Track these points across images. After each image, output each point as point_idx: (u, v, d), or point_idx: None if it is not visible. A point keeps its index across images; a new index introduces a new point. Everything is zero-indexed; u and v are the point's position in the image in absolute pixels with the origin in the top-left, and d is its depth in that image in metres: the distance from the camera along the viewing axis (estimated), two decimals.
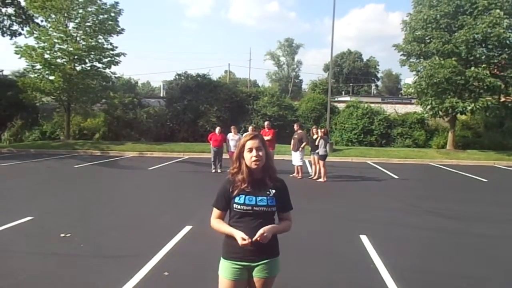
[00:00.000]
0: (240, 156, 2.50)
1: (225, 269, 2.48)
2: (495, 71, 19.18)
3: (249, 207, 2.42)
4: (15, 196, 8.94)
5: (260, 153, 2.44)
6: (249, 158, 2.44)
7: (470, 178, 13.30)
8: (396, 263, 4.92)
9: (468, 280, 4.56)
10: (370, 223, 6.96)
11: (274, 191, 2.48)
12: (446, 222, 7.27)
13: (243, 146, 2.48)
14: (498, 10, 17.65)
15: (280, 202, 2.50)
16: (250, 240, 2.32)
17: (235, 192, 2.46)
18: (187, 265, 4.80)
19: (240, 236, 2.34)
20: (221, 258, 2.53)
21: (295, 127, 12.40)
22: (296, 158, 11.96)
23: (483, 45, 18.80)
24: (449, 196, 10.27)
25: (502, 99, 19.91)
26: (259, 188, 2.47)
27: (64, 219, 6.83)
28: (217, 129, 13.32)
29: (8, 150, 19.72)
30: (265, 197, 2.44)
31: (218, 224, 2.52)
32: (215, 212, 2.55)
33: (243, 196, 2.44)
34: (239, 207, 2.44)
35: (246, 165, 2.46)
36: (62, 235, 5.78)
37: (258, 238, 2.33)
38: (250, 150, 2.44)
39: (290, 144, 12.53)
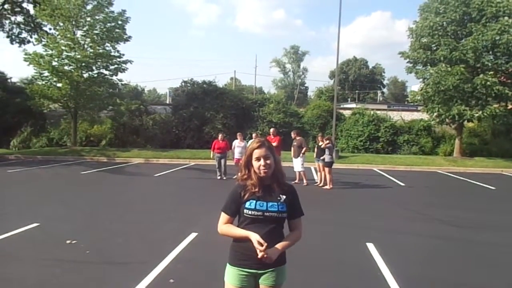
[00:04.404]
0: (249, 164, 2.47)
1: (231, 276, 2.45)
2: (503, 78, 19.07)
3: (260, 213, 2.39)
4: (22, 203, 9.00)
5: (268, 162, 2.42)
6: (257, 167, 2.42)
7: (478, 185, 13.16)
8: (403, 271, 4.86)
9: None
10: (377, 231, 6.90)
11: (284, 196, 2.45)
12: (453, 230, 7.20)
13: (251, 154, 2.46)
14: (506, 18, 17.58)
15: (291, 208, 2.47)
16: (266, 245, 2.24)
17: (246, 197, 2.42)
18: (193, 272, 4.78)
19: (256, 240, 2.27)
20: (227, 264, 2.49)
21: (293, 135, 12.51)
22: (297, 164, 11.98)
23: (491, 52, 18.72)
24: (456, 204, 10.17)
25: (510, 107, 19.77)
26: (270, 194, 2.44)
27: (70, 225, 6.86)
28: (220, 136, 13.31)
29: (15, 156, 19.88)
30: (276, 203, 2.41)
31: (228, 228, 2.46)
32: (224, 217, 2.49)
33: (254, 201, 2.40)
34: (250, 212, 2.40)
35: (255, 173, 2.44)
36: (68, 241, 5.79)
37: (263, 259, 2.28)
38: (258, 159, 2.43)
39: None
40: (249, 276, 2.43)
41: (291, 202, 2.48)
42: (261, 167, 2.41)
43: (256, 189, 2.42)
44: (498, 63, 18.55)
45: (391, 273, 4.76)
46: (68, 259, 5.13)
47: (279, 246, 2.36)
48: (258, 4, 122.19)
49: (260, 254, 2.26)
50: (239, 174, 2.57)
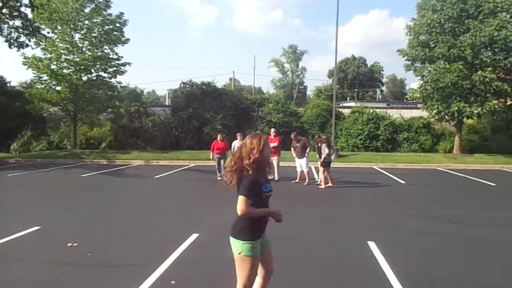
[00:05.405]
0: (263, 151, 3.15)
1: (255, 249, 3.10)
2: (501, 74, 19.06)
3: (270, 193, 3.22)
4: (22, 206, 9.00)
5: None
6: (268, 153, 3.26)
7: (478, 182, 13.17)
8: (404, 269, 4.87)
9: (477, 287, 4.50)
10: (378, 229, 6.91)
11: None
12: (455, 227, 7.20)
13: (266, 144, 3.19)
14: (504, 13, 17.57)
15: None
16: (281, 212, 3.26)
17: (262, 182, 3.15)
18: (194, 274, 4.78)
19: (276, 210, 3.22)
20: (248, 242, 3.08)
21: (293, 136, 12.55)
22: (303, 164, 12.00)
23: (489, 48, 18.72)
24: (457, 201, 10.17)
25: (509, 102, 19.77)
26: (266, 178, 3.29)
27: (71, 228, 6.87)
28: (219, 137, 13.31)
29: (15, 160, 19.87)
30: (269, 184, 3.26)
31: (251, 209, 3.05)
32: (247, 202, 3.03)
33: (267, 184, 3.20)
34: (266, 194, 3.18)
35: (266, 159, 3.23)
36: (69, 244, 5.80)
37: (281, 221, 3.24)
38: (269, 148, 3.30)
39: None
40: (260, 244, 3.20)
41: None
42: (270, 155, 3.36)
43: (266, 173, 3.27)
44: (496, 59, 18.49)
45: (392, 271, 4.77)
46: (69, 262, 5.14)
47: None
48: (256, 4, 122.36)
49: (281, 219, 3.23)
50: (246, 160, 3.10)
